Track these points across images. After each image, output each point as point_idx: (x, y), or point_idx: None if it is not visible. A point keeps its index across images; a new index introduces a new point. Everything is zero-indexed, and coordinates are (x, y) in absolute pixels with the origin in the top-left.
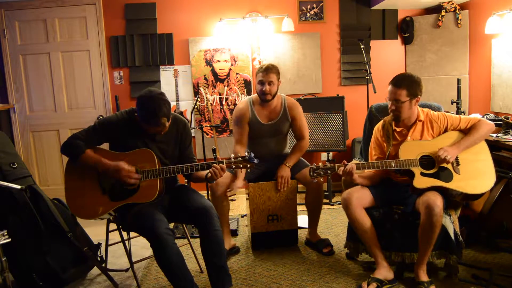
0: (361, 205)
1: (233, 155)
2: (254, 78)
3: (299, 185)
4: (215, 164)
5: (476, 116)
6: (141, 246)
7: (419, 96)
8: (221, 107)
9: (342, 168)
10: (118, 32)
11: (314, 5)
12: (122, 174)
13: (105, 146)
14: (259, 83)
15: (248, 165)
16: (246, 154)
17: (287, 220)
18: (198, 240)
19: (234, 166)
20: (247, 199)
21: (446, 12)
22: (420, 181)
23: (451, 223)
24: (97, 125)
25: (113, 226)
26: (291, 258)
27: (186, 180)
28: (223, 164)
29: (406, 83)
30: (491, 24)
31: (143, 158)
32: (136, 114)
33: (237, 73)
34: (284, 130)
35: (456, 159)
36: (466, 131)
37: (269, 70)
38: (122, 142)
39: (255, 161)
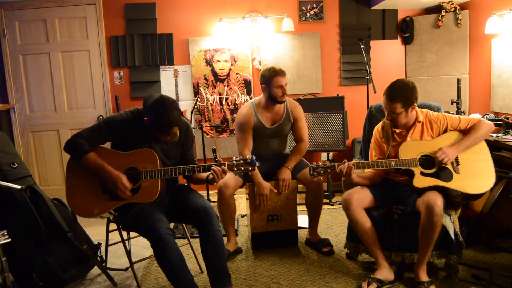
0: (361, 206)
1: (234, 158)
2: (255, 79)
3: (299, 185)
4: (217, 166)
5: (476, 116)
6: (141, 246)
7: (415, 103)
8: (221, 107)
9: (341, 166)
10: (118, 32)
11: (314, 5)
12: (118, 186)
13: (106, 145)
14: (278, 88)
15: (250, 168)
16: (248, 157)
17: (287, 220)
18: (198, 240)
19: (235, 169)
20: (247, 199)
21: (446, 12)
22: (420, 181)
23: (451, 223)
24: (101, 124)
25: (113, 226)
26: (291, 258)
27: (185, 181)
28: (224, 166)
29: (400, 96)
30: (491, 24)
31: (145, 158)
32: (145, 118)
33: (237, 73)
34: (286, 130)
35: (456, 159)
36: (466, 132)
37: (284, 73)
38: (126, 142)
39: (257, 164)
